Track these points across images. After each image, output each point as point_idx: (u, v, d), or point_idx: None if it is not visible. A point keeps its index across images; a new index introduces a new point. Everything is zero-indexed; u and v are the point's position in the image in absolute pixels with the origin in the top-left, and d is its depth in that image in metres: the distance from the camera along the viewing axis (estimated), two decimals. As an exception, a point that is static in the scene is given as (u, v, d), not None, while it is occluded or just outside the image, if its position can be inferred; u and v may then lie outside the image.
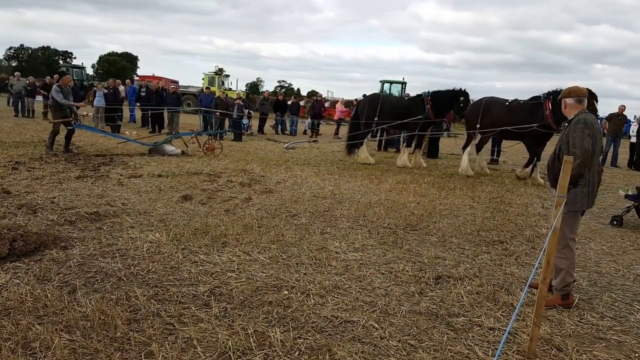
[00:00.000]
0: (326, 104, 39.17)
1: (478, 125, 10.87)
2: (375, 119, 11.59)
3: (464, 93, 11.16)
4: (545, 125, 9.62)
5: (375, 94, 12.94)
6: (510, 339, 3.15)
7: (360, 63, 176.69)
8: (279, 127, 20.64)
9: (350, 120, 13.47)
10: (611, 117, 15.65)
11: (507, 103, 10.61)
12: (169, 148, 10.91)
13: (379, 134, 15.50)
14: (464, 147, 11.27)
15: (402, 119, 11.41)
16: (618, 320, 3.58)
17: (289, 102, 22.32)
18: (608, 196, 9.49)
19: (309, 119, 20.81)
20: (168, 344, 2.77)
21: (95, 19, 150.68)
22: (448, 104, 11.33)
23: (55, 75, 20.82)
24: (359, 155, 11.76)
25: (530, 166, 10.38)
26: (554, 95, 9.24)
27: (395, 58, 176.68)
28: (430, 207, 6.96)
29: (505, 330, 3.18)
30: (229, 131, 16.22)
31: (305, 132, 21.31)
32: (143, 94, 18.09)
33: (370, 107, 11.78)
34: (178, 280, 3.68)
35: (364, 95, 20.38)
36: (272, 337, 2.90)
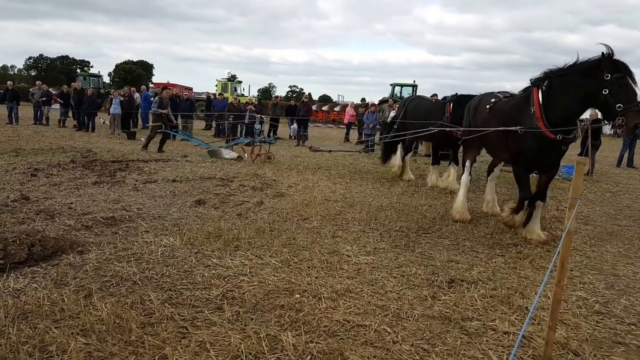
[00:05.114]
0: (336, 108, 39.27)
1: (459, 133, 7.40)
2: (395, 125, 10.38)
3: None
4: (533, 129, 5.30)
5: (416, 96, 11.26)
6: (526, 343, 3.11)
7: (368, 67, 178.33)
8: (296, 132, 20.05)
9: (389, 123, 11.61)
10: None
11: (490, 103, 6.37)
12: (227, 153, 11.65)
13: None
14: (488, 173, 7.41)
15: (421, 125, 9.04)
16: (637, 325, 3.50)
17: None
18: (624, 197, 9.32)
19: (294, 124, 19.04)
20: (181, 348, 2.79)
21: (108, 28, 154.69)
22: None
23: (73, 84, 21.30)
24: (391, 164, 10.29)
25: (522, 212, 5.76)
26: (551, 80, 5.28)
27: (402, 61, 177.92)
28: (442, 210, 6.91)
29: (519, 333, 3.14)
30: (278, 138, 16.22)
31: (291, 137, 19.67)
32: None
33: (400, 110, 10.43)
34: (191, 284, 3.72)
35: (363, 102, 19.97)
36: (284, 341, 2.91)
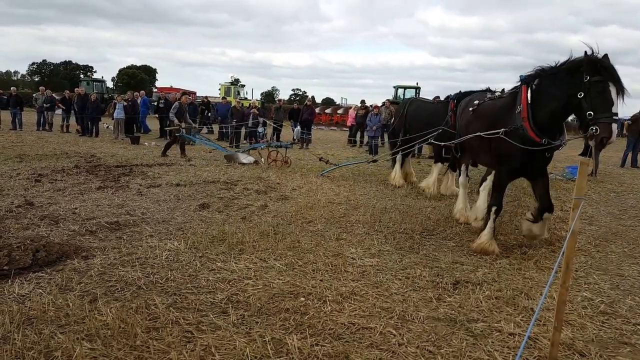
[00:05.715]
0: (339, 111, 39.33)
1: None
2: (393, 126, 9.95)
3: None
4: (517, 131, 4.82)
5: (415, 98, 10.75)
6: (531, 344, 3.10)
7: (371, 69, 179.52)
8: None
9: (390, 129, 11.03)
10: (637, 119, 15.16)
11: (474, 105, 5.86)
12: (243, 157, 11.65)
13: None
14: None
15: (424, 128, 8.54)
16: (643, 325, 3.48)
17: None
18: (629, 197, 9.28)
19: (298, 127, 18.45)
20: (186, 352, 2.80)
21: (112, 33, 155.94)
22: None
23: (76, 89, 21.40)
24: (391, 175, 9.58)
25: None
26: (541, 78, 4.79)
27: (405, 63, 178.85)
28: (446, 211, 6.90)
29: (525, 335, 3.12)
30: (294, 143, 16.11)
31: (294, 141, 18.69)
32: (162, 105, 18.40)
33: (397, 113, 9.91)
34: (196, 288, 3.72)
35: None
36: (289, 344, 2.91)
